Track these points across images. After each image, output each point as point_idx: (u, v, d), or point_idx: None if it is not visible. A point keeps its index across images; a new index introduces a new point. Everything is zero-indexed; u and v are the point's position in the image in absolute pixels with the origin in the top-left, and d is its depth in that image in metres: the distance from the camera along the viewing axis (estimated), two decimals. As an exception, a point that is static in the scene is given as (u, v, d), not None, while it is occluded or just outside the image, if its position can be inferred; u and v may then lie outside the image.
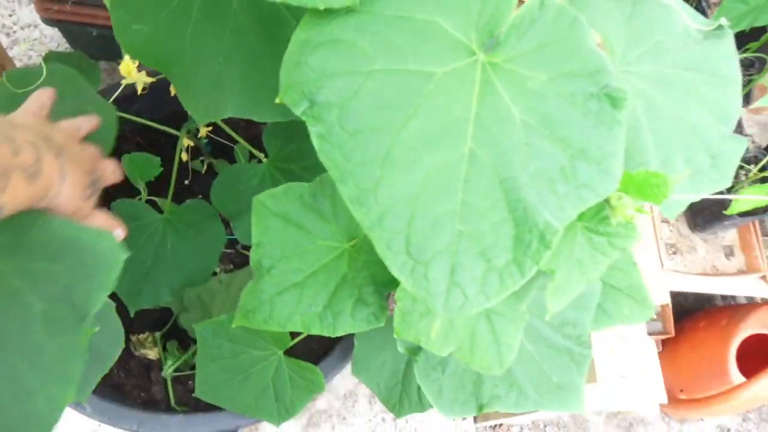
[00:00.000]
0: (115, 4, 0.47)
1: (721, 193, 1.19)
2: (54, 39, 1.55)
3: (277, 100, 0.35)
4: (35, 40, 1.54)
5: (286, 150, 0.80)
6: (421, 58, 0.36)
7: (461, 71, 0.37)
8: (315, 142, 0.34)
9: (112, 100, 0.84)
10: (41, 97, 0.57)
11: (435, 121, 0.35)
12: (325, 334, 0.49)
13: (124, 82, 0.79)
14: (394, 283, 0.50)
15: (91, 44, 1.20)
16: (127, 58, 0.70)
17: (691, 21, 0.53)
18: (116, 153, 1.18)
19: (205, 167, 1.08)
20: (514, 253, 0.34)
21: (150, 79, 0.79)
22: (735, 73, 0.53)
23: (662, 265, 1.04)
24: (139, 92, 0.81)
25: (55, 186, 0.47)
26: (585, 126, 0.37)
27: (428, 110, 0.35)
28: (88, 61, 0.89)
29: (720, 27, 0.53)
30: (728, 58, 0.52)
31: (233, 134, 0.86)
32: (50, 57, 0.89)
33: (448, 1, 0.37)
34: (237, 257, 1.08)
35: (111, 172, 0.59)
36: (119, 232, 0.57)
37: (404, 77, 0.35)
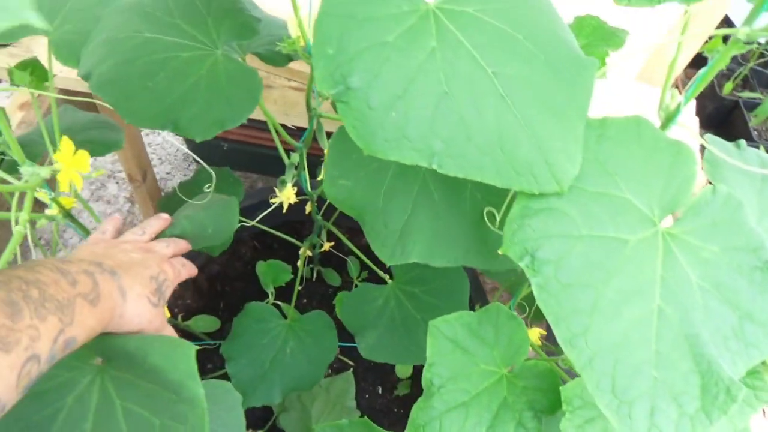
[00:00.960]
0: (329, 163, 0.57)
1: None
2: (174, 145, 1.74)
3: (500, 252, 0.43)
4: (158, 145, 1.72)
5: (411, 274, 0.88)
6: (617, 227, 0.44)
7: (648, 240, 0.44)
8: (534, 290, 0.42)
9: (259, 218, 0.95)
10: (113, 222, 0.65)
11: (630, 281, 0.42)
12: (486, 454, 0.54)
13: (273, 200, 0.89)
14: (551, 410, 0.55)
15: (220, 156, 1.36)
16: (289, 186, 0.81)
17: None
18: (235, 255, 1.28)
19: (315, 275, 1.17)
20: (703, 401, 0.40)
21: (296, 200, 0.90)
22: None
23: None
24: (284, 211, 0.91)
25: (118, 306, 0.50)
26: (752, 293, 0.44)
27: (625, 271, 0.43)
28: (234, 178, 1.01)
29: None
30: None
31: (356, 250, 0.95)
32: (201, 172, 1.02)
33: (636, 183, 0.45)
34: (336, 363, 1.13)
35: (181, 266, 0.64)
36: None
37: (606, 242, 0.43)
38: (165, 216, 0.70)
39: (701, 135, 0.60)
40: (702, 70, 0.50)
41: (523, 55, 0.42)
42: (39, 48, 0.93)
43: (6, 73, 0.74)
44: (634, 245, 0.44)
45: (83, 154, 0.52)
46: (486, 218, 0.55)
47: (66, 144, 0.52)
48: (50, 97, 0.65)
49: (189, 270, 0.66)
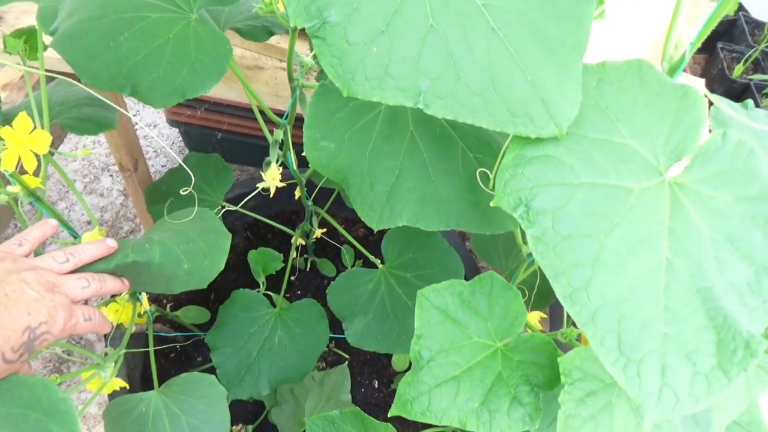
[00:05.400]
0: (309, 125, 0.54)
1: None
2: (170, 138, 1.71)
3: (492, 204, 0.40)
4: (153, 138, 1.70)
5: (402, 258, 0.84)
6: (620, 175, 0.40)
7: (654, 189, 0.41)
8: (530, 242, 0.38)
9: (242, 204, 0.91)
10: (39, 229, 0.55)
11: (635, 232, 0.39)
12: (481, 431, 0.50)
13: (260, 185, 0.86)
14: (549, 385, 0.51)
15: (212, 145, 1.32)
16: (273, 166, 0.77)
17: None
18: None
19: (309, 265, 1.13)
20: (719, 358, 0.36)
21: (282, 185, 0.86)
22: None
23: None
24: (271, 195, 0.88)
25: None
26: (767, 245, 0.40)
27: (629, 221, 0.39)
28: (223, 164, 0.98)
29: None
30: None
31: (350, 238, 0.92)
32: (191, 157, 0.99)
33: (640, 129, 0.42)
34: (330, 356, 1.09)
35: (84, 319, 0.52)
36: None
37: (608, 191, 0.39)
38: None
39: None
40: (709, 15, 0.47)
41: (514, -14, 0.38)
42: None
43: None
44: (639, 194, 0.40)
45: (42, 134, 0.47)
46: (479, 179, 0.52)
47: (22, 120, 0.47)
48: (40, 70, 0.62)
49: (94, 324, 0.54)
